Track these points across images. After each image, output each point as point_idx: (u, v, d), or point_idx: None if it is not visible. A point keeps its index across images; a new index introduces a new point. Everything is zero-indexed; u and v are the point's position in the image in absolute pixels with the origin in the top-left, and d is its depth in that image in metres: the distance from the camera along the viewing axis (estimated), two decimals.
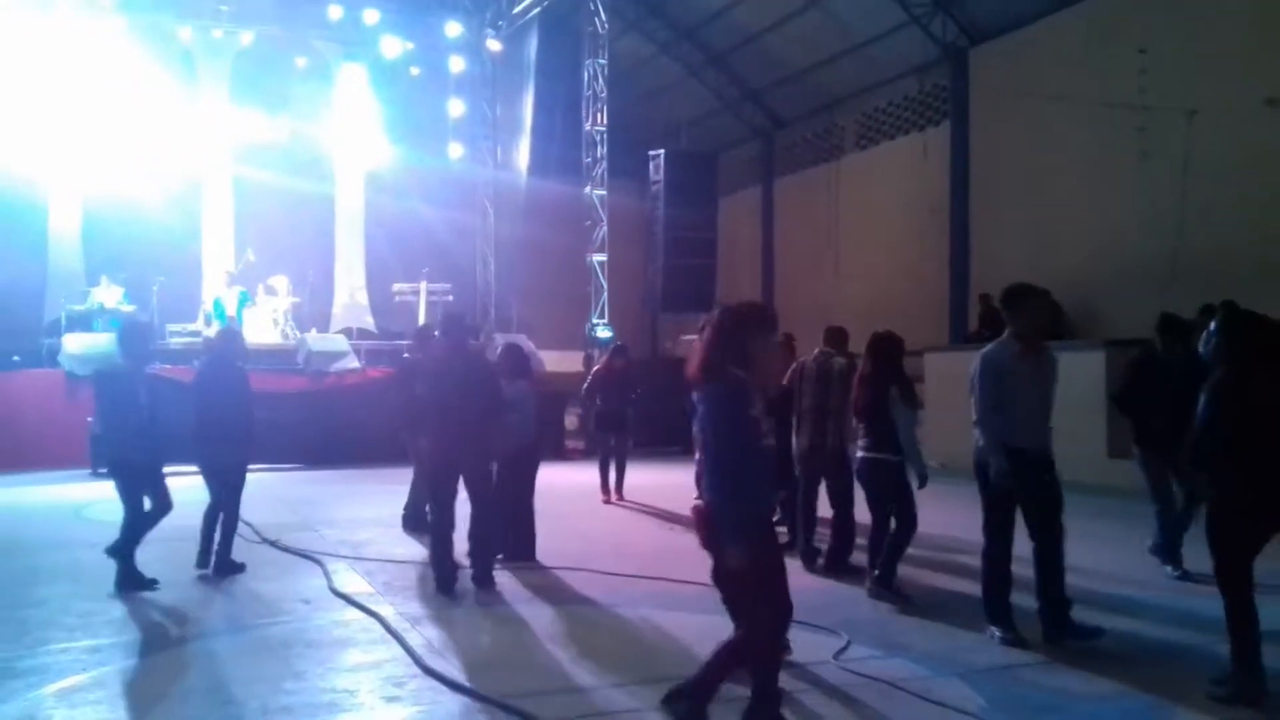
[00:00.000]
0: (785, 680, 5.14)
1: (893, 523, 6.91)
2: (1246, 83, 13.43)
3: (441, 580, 7.19)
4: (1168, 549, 7.59)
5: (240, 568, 7.89)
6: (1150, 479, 7.72)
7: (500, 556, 7.83)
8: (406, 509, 9.86)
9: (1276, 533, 4.79)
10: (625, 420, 12.30)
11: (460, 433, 7.17)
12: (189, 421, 7.73)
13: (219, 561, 7.85)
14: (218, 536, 7.86)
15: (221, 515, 7.88)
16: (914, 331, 17.98)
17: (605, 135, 19.67)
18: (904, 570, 7.12)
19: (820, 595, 7.07)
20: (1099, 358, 12.68)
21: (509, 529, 8.17)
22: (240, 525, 9.82)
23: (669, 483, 12.58)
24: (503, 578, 7.56)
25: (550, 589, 7.40)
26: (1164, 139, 14.43)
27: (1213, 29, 13.97)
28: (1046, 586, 5.76)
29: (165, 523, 7.50)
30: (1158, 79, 14.52)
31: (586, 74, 19.54)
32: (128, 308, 16.83)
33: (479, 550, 7.35)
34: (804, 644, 5.75)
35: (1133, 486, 10.57)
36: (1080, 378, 10.90)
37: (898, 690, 4.99)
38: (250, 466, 8.31)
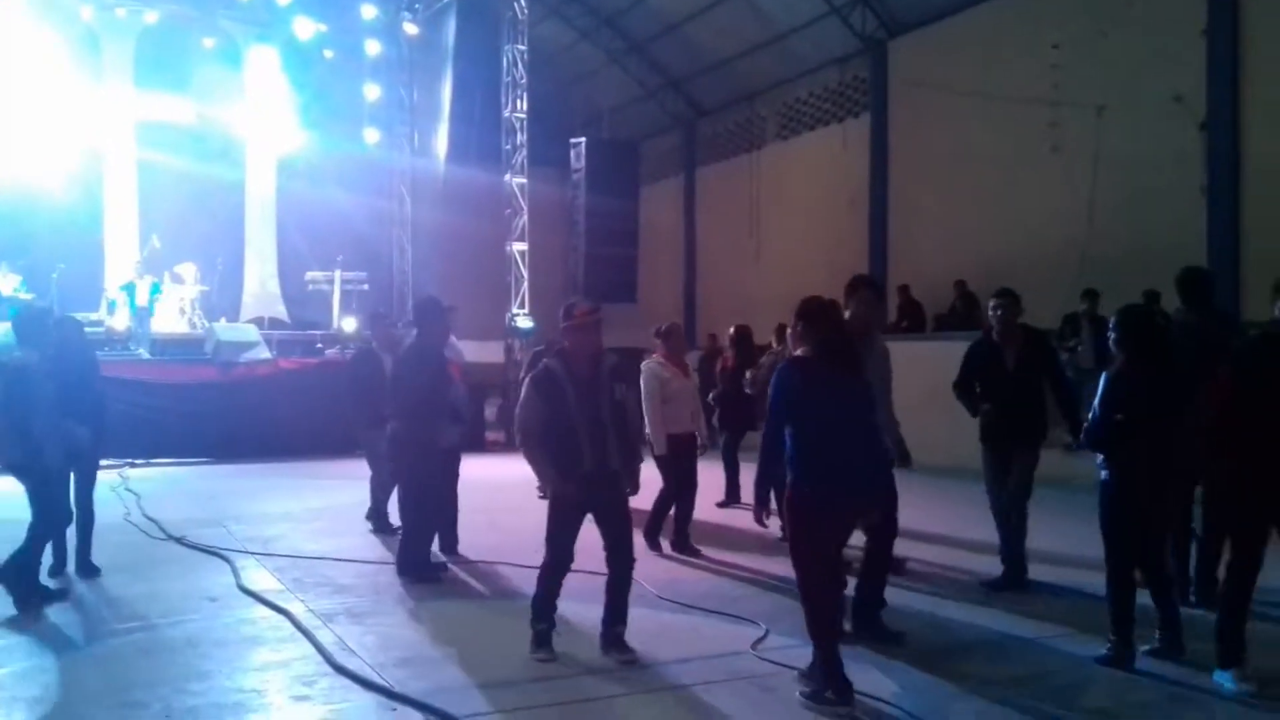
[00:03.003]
0: (701, 672, 5.14)
1: None
2: (1154, 80, 13.77)
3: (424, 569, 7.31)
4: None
5: (97, 571, 7.45)
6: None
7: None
8: (371, 512, 9.44)
9: (1159, 509, 5.31)
10: None
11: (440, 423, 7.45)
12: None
13: (81, 561, 7.45)
14: (73, 535, 7.45)
15: (76, 512, 7.41)
16: None
17: (525, 122, 19.44)
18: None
19: (740, 586, 7.07)
20: None
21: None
22: (145, 521, 9.61)
23: None
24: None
25: (468, 583, 7.30)
26: (1075, 134, 14.75)
27: (1123, 27, 14.29)
28: (863, 584, 5.80)
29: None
30: (1069, 75, 14.83)
31: (506, 60, 19.28)
32: (25, 295, 16.21)
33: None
34: (722, 634, 5.76)
35: (1048, 475, 10.84)
36: None
37: None
38: (103, 460, 7.93)
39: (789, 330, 5.04)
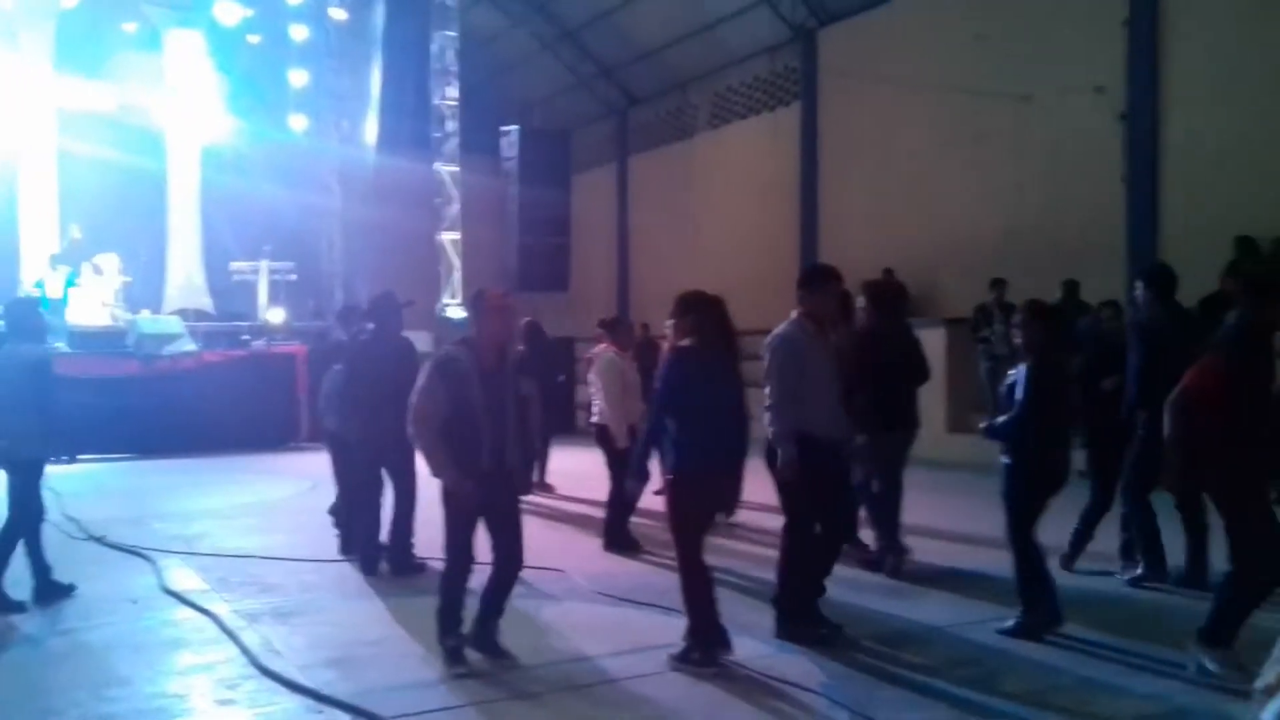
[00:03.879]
0: (633, 665, 5.14)
1: None
2: (1076, 70, 14.03)
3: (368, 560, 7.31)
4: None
5: None
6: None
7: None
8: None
9: (1054, 495, 5.64)
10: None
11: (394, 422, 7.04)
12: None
13: None
14: None
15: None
16: (766, 311, 18.26)
17: (456, 110, 19.25)
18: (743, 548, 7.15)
19: (672, 578, 7.06)
20: (939, 334, 13.14)
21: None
22: (64, 520, 9.34)
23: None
24: (345, 570, 7.35)
25: (395, 579, 7.18)
26: (1000, 123, 14.98)
27: (1045, 18, 14.52)
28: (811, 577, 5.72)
29: None
30: (995, 65, 15.05)
31: (436, 46, 19.06)
32: None
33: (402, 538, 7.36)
34: (651, 625, 5.76)
35: (970, 460, 11.05)
36: None
37: (742, 669, 5.03)
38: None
39: (670, 323, 5.29)
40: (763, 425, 5.52)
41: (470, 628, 5.15)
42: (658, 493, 10.62)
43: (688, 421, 5.03)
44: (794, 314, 5.68)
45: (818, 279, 5.78)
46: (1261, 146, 12.25)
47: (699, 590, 5.12)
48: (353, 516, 7.73)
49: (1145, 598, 6.38)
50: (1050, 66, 14.36)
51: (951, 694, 4.72)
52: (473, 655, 5.13)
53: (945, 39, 15.91)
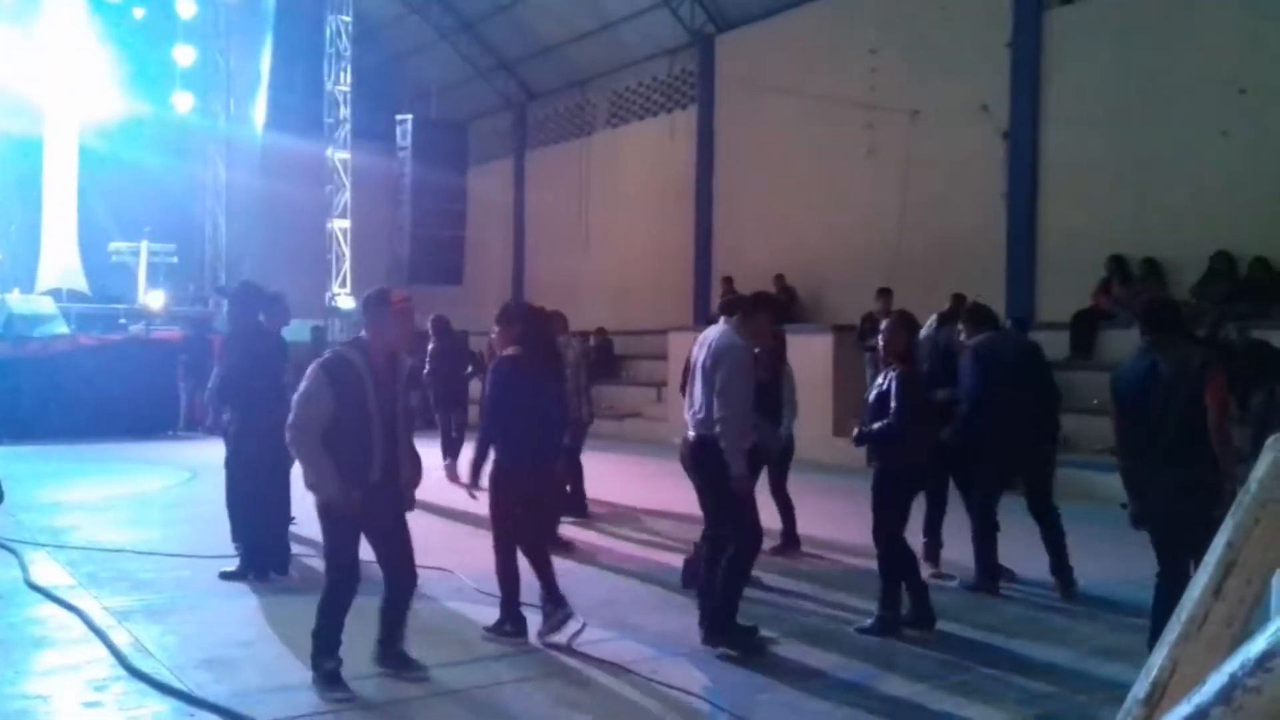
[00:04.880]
0: (517, 667, 5.14)
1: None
2: (963, 88, 14.47)
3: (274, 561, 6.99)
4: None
5: None
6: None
7: None
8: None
9: (917, 494, 6.09)
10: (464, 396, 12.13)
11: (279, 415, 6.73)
12: None
13: None
14: None
15: None
16: (659, 311, 18.50)
17: (349, 96, 18.89)
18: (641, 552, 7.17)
19: (560, 579, 7.09)
20: (827, 340, 13.43)
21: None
22: None
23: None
24: (221, 565, 7.17)
25: (272, 578, 6.98)
26: (889, 137, 15.36)
27: (936, 35, 14.96)
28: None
29: None
30: (886, 79, 15.43)
31: (329, 30, 18.68)
32: None
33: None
34: (534, 626, 5.74)
35: (855, 463, 11.30)
36: (809, 360, 11.46)
37: (626, 672, 5.06)
38: None
39: (491, 334, 5.80)
40: (683, 428, 5.71)
41: (373, 648, 4.93)
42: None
43: (511, 425, 5.46)
44: (724, 322, 5.60)
45: (757, 304, 5.79)
46: (1134, 168, 12.83)
47: (507, 567, 5.60)
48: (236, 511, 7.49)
49: (1020, 603, 6.60)
50: (939, 84, 14.78)
51: (832, 697, 4.83)
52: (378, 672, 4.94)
53: (839, 52, 16.23)
